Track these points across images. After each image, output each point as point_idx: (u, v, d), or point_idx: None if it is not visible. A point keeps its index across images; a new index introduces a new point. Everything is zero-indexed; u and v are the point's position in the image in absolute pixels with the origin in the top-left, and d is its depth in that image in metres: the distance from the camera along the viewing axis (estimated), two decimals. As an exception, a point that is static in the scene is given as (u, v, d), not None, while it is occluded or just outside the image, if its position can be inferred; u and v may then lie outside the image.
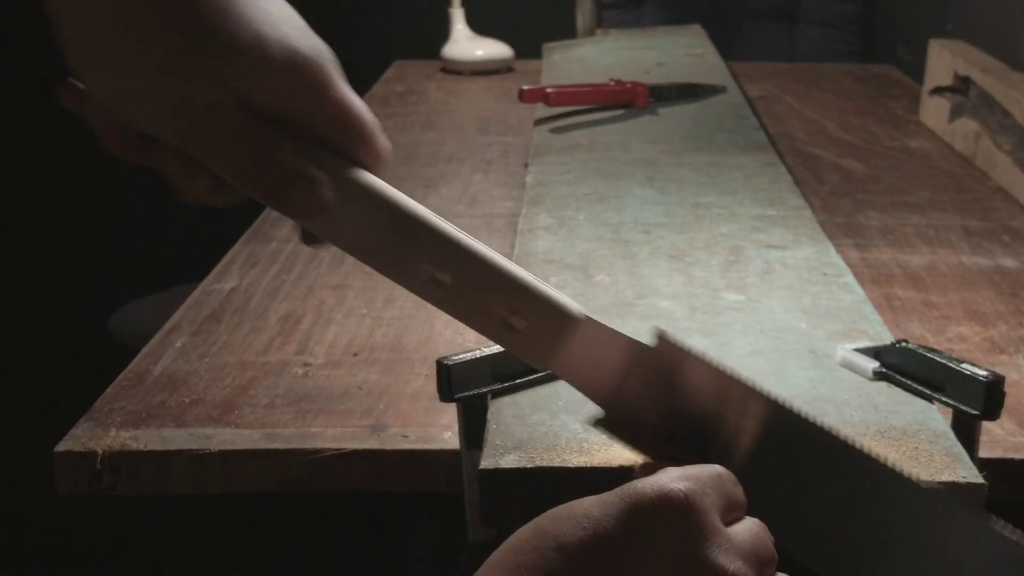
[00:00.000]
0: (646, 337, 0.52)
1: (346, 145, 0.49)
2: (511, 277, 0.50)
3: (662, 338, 0.52)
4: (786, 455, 0.52)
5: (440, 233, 0.50)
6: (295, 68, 0.47)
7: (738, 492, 0.48)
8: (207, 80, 0.45)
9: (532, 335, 0.51)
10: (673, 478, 0.45)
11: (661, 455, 0.53)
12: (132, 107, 0.46)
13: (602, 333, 0.52)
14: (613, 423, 0.53)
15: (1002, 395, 0.63)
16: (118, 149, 0.50)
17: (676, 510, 0.44)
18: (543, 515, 0.46)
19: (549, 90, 1.40)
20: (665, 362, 0.52)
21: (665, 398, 0.53)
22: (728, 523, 0.46)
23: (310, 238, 0.51)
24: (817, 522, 0.51)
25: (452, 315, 0.51)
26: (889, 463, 0.51)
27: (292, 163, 0.47)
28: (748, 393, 0.52)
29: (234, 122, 0.46)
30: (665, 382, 0.53)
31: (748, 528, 0.47)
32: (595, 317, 0.52)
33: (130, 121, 0.48)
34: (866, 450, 0.52)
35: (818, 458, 0.53)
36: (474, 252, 0.50)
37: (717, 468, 0.48)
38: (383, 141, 0.50)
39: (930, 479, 0.59)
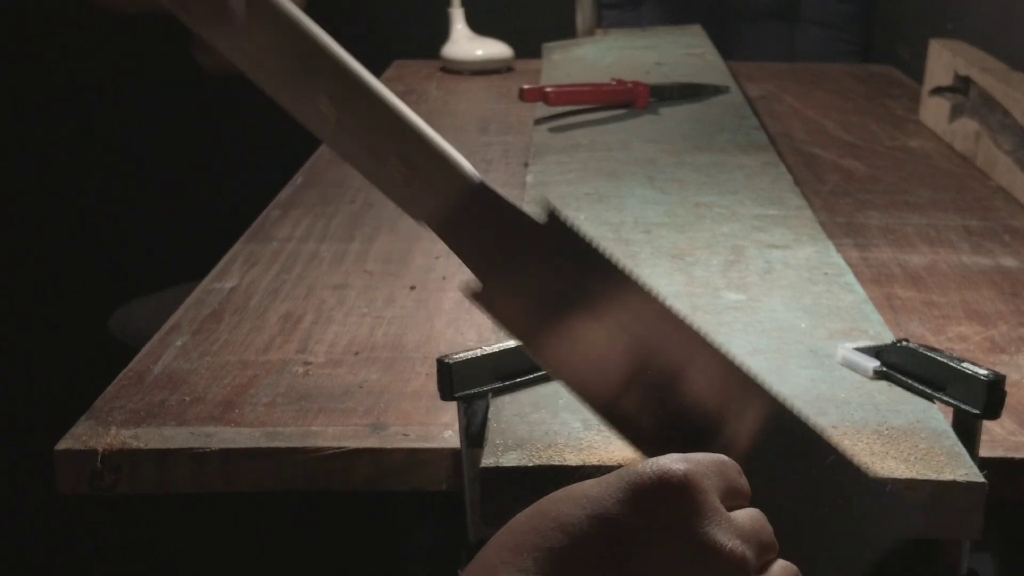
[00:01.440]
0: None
1: None
2: (410, 125, 0.49)
3: (552, 215, 0.50)
4: (780, 459, 0.52)
5: (343, 66, 0.48)
6: None
7: (741, 481, 0.48)
8: None
9: (422, 190, 0.49)
10: (673, 459, 0.46)
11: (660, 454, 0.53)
12: None
13: (494, 201, 0.50)
14: (490, 300, 0.51)
15: (1003, 394, 0.63)
16: None
17: (675, 489, 0.44)
18: (543, 498, 0.46)
19: (548, 89, 1.41)
20: (557, 241, 0.50)
21: (548, 283, 0.51)
22: (729, 509, 0.46)
23: (209, 62, 0.50)
24: (793, 521, 0.50)
25: (344, 157, 0.49)
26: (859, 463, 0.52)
27: None
28: (641, 294, 0.51)
29: None
30: (551, 265, 0.51)
31: (748, 514, 0.47)
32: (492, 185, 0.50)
33: None
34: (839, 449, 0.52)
35: (814, 466, 0.53)
36: (375, 92, 0.49)
37: (721, 456, 0.48)
38: None
39: (931, 478, 0.59)
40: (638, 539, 0.44)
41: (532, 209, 0.50)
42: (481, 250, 0.50)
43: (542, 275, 0.51)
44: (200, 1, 0.47)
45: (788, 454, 0.53)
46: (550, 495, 0.46)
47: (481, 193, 0.50)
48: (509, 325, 0.51)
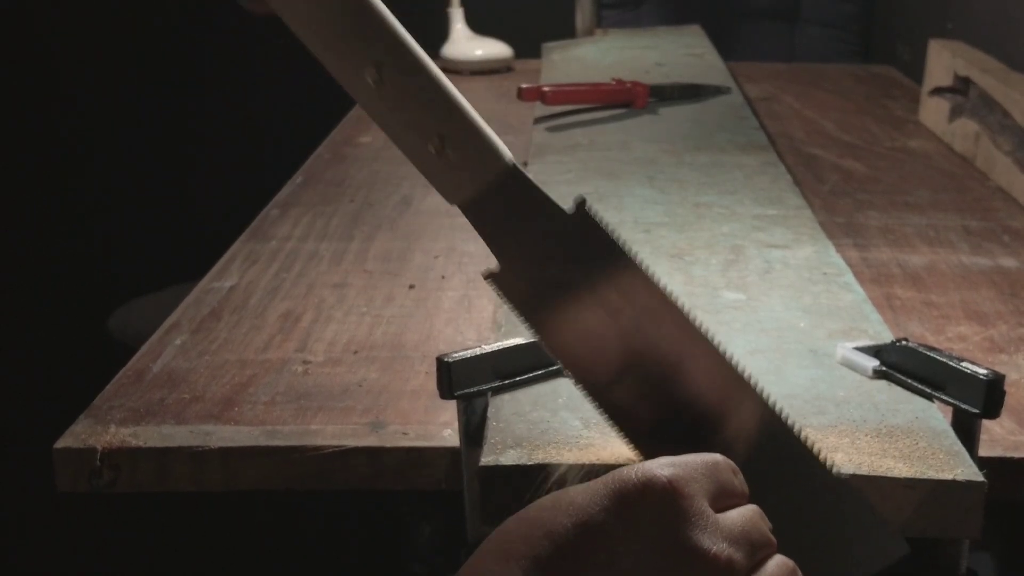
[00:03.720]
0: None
1: None
2: (451, 100, 0.49)
3: (580, 207, 0.51)
4: (774, 466, 0.52)
5: (393, 32, 0.48)
6: None
7: (735, 480, 0.48)
8: None
9: (455, 167, 0.49)
10: (659, 464, 0.46)
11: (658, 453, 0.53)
12: None
13: (525, 186, 0.50)
14: (507, 284, 0.51)
15: (1002, 394, 0.63)
16: None
17: (659, 495, 0.45)
18: (530, 505, 0.47)
19: (546, 88, 1.41)
20: (582, 233, 0.50)
21: (567, 272, 0.51)
22: (721, 509, 0.46)
23: (254, 5, 0.50)
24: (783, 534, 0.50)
25: (380, 125, 0.49)
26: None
27: None
28: (654, 292, 0.51)
29: None
30: (572, 256, 0.51)
31: (740, 513, 0.47)
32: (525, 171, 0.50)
33: None
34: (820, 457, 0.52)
35: (805, 477, 0.53)
36: (422, 63, 0.48)
37: (714, 456, 0.48)
38: None
39: (930, 477, 0.59)
40: (624, 546, 0.44)
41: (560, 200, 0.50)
42: (505, 232, 0.50)
43: (561, 263, 0.51)
44: None
45: (780, 467, 0.53)
46: (537, 503, 0.47)
47: (513, 177, 0.50)
48: (520, 306, 0.51)
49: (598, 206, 1.02)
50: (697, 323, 0.52)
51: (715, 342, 0.52)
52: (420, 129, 0.48)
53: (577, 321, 0.51)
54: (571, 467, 0.59)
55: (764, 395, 0.53)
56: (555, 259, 0.51)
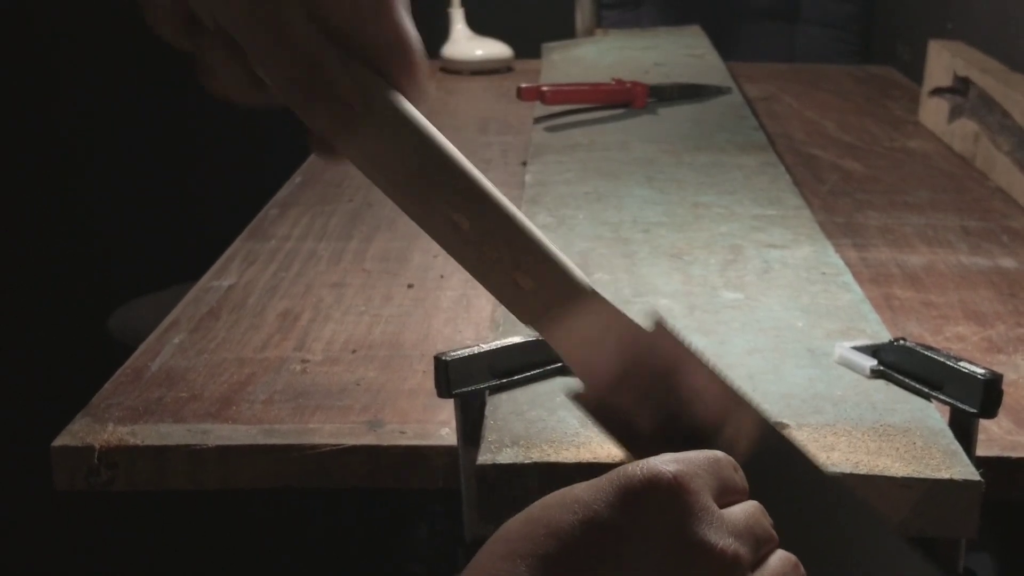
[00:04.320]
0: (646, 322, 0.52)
1: (393, 71, 0.49)
2: (528, 234, 0.50)
3: (659, 325, 0.52)
4: (772, 482, 0.52)
5: (467, 175, 0.49)
6: None
7: (737, 477, 0.48)
8: None
9: (537, 297, 0.50)
10: (664, 460, 0.46)
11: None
12: None
13: (605, 309, 0.51)
14: (594, 404, 0.52)
15: (1000, 393, 0.63)
16: (165, 27, 0.49)
17: (665, 491, 0.44)
18: (534, 503, 0.46)
19: (545, 88, 1.41)
20: (660, 351, 0.52)
21: (652, 389, 0.52)
22: (724, 505, 0.46)
23: (325, 149, 0.50)
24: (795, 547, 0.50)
25: (462, 263, 0.50)
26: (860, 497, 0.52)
27: (332, 73, 0.47)
28: (743, 410, 0.52)
29: (292, 17, 0.46)
30: (659, 378, 0.52)
31: (744, 509, 0.47)
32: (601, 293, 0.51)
33: None
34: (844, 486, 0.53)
35: (801, 486, 0.53)
36: (497, 202, 0.49)
37: (715, 453, 0.48)
38: (427, 77, 0.50)
39: (928, 476, 0.59)
40: (630, 543, 0.44)
41: (640, 317, 0.52)
42: (588, 354, 0.52)
43: (645, 380, 0.52)
44: (328, 110, 0.47)
45: (778, 474, 0.53)
46: (541, 500, 0.46)
47: (592, 301, 0.51)
48: (607, 426, 0.53)
49: (598, 206, 1.02)
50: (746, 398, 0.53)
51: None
52: (500, 264, 0.50)
53: (639, 413, 0.52)
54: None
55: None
56: (638, 377, 0.52)
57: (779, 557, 0.47)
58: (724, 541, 0.44)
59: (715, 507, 0.45)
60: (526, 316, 0.51)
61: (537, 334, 0.51)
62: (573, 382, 0.52)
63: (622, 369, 0.52)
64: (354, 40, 0.48)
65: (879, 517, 0.54)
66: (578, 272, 0.51)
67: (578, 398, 0.52)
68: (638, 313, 0.52)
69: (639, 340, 0.52)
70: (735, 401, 0.53)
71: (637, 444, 0.53)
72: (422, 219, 0.49)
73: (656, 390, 0.52)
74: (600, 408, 0.53)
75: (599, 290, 0.51)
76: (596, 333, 0.51)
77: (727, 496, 0.47)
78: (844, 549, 0.53)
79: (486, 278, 0.50)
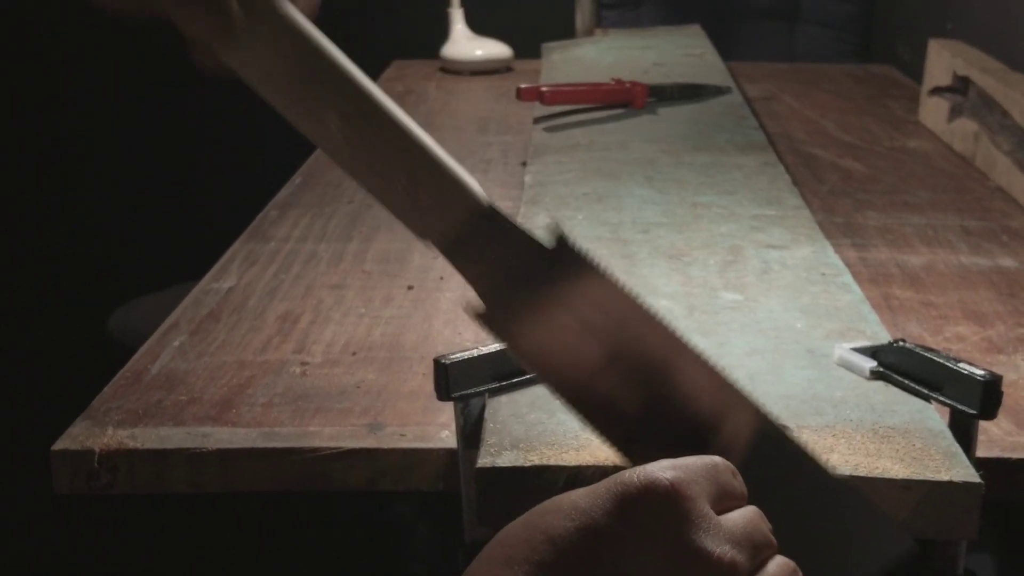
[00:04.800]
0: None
1: None
2: (419, 145, 0.48)
3: (560, 240, 0.50)
4: (770, 477, 0.52)
5: (355, 83, 0.48)
6: None
7: (735, 482, 0.48)
8: None
9: (431, 212, 0.49)
10: (661, 467, 0.46)
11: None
12: None
13: (501, 223, 0.50)
14: (494, 322, 0.51)
15: (999, 395, 0.63)
16: None
17: (662, 498, 0.44)
18: (532, 510, 0.46)
19: (544, 88, 1.41)
20: (565, 268, 0.50)
21: (551, 304, 0.51)
22: (722, 511, 0.46)
23: (205, 58, 0.48)
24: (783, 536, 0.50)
25: (353, 176, 0.49)
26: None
27: None
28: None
29: None
30: (556, 288, 0.50)
31: (742, 515, 0.47)
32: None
33: None
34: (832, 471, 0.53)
35: (801, 485, 0.53)
36: (386, 110, 0.48)
37: (714, 459, 0.48)
38: None
39: (927, 478, 0.59)
40: (627, 550, 0.44)
41: (540, 234, 0.50)
42: (487, 273, 0.50)
43: (546, 298, 0.51)
44: (203, 15, 0.45)
45: (777, 470, 0.53)
46: (540, 507, 0.46)
47: (490, 217, 0.50)
48: (512, 344, 0.52)
49: (597, 206, 1.02)
50: (680, 334, 0.52)
51: (701, 351, 0.52)
52: (387, 173, 0.48)
53: (553, 336, 0.51)
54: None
55: (755, 401, 0.53)
56: (539, 295, 0.50)
57: (777, 563, 0.47)
58: (721, 548, 0.44)
59: (712, 514, 0.45)
60: (419, 230, 0.50)
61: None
62: (474, 299, 0.51)
63: (522, 287, 0.50)
64: None
65: (881, 515, 0.54)
66: (475, 185, 0.50)
67: (480, 316, 0.51)
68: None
69: (539, 257, 0.50)
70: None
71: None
72: (310, 128, 0.48)
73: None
74: (497, 326, 0.51)
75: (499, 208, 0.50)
76: (493, 250, 0.50)
77: (725, 502, 0.47)
78: (846, 548, 0.53)
79: (377, 190, 0.49)
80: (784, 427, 0.53)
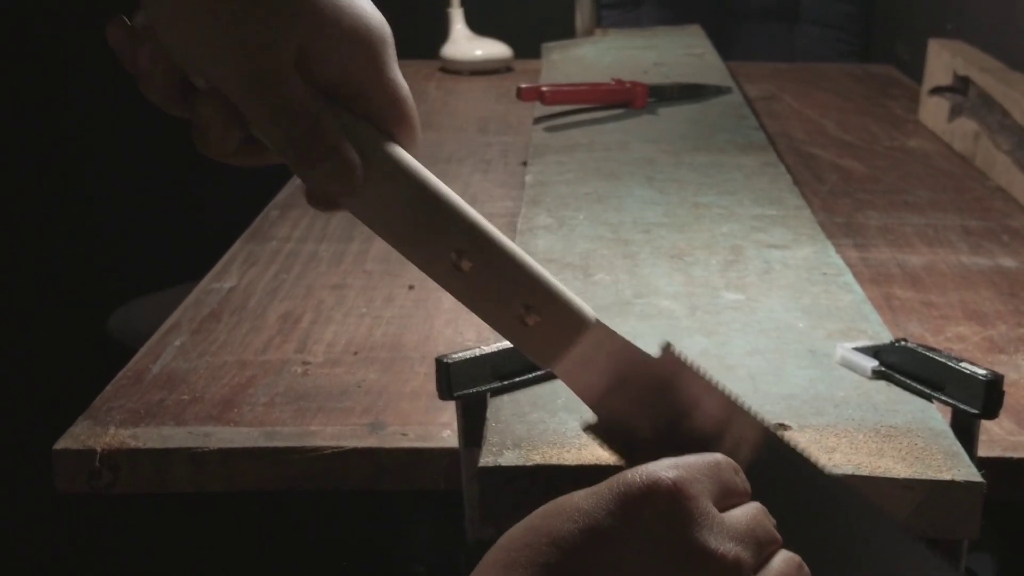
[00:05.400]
0: (653, 345, 0.52)
1: (389, 124, 0.50)
2: (531, 272, 0.50)
3: (667, 351, 0.52)
4: (775, 487, 0.52)
5: (468, 219, 0.50)
6: (362, 41, 0.48)
7: (738, 479, 0.48)
8: (276, 33, 0.46)
9: (543, 333, 0.51)
10: (663, 466, 0.46)
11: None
12: (193, 48, 0.47)
13: (611, 340, 0.52)
14: (606, 431, 0.53)
15: (1001, 394, 0.63)
16: (159, 94, 0.50)
17: (665, 497, 0.45)
18: (535, 512, 0.46)
19: (544, 88, 1.41)
20: (668, 376, 0.52)
21: (662, 413, 0.53)
22: (725, 508, 0.46)
23: (324, 202, 0.51)
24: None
25: (468, 305, 0.51)
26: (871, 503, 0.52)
27: (332, 136, 0.47)
28: (746, 421, 0.52)
29: (290, 80, 0.47)
30: (664, 397, 0.52)
31: (745, 512, 0.47)
32: (605, 323, 0.52)
33: (184, 63, 0.48)
34: (853, 490, 0.53)
35: (805, 494, 0.53)
36: (498, 242, 0.50)
37: (716, 456, 0.48)
38: (419, 130, 0.51)
39: (929, 477, 0.59)
40: (630, 550, 0.44)
41: (641, 334, 0.52)
42: (598, 385, 0.52)
43: (655, 407, 0.52)
44: (324, 172, 0.47)
45: (784, 475, 0.53)
46: (541, 509, 0.46)
47: (598, 332, 0.51)
48: (622, 453, 0.53)
49: (598, 206, 1.02)
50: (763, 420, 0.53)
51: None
52: (504, 303, 0.50)
53: (653, 436, 0.53)
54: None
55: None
56: (649, 405, 0.52)
57: (782, 558, 0.47)
58: (725, 546, 0.44)
59: (715, 512, 0.45)
60: (534, 354, 0.52)
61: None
62: (588, 414, 0.53)
63: (632, 398, 0.52)
64: (350, 97, 0.49)
65: (884, 515, 0.54)
66: (582, 304, 0.52)
67: (591, 428, 0.53)
68: (635, 326, 0.52)
69: (647, 369, 0.52)
70: (736, 409, 0.53)
71: (638, 454, 0.53)
72: (426, 265, 0.50)
73: (658, 405, 0.52)
74: (609, 431, 0.53)
75: (604, 320, 0.51)
76: (604, 365, 0.52)
77: (728, 499, 0.47)
78: (849, 548, 0.53)
79: (493, 319, 0.51)
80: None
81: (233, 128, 0.49)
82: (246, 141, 0.50)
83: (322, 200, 0.51)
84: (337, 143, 0.47)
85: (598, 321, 0.51)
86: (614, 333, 0.52)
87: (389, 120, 0.50)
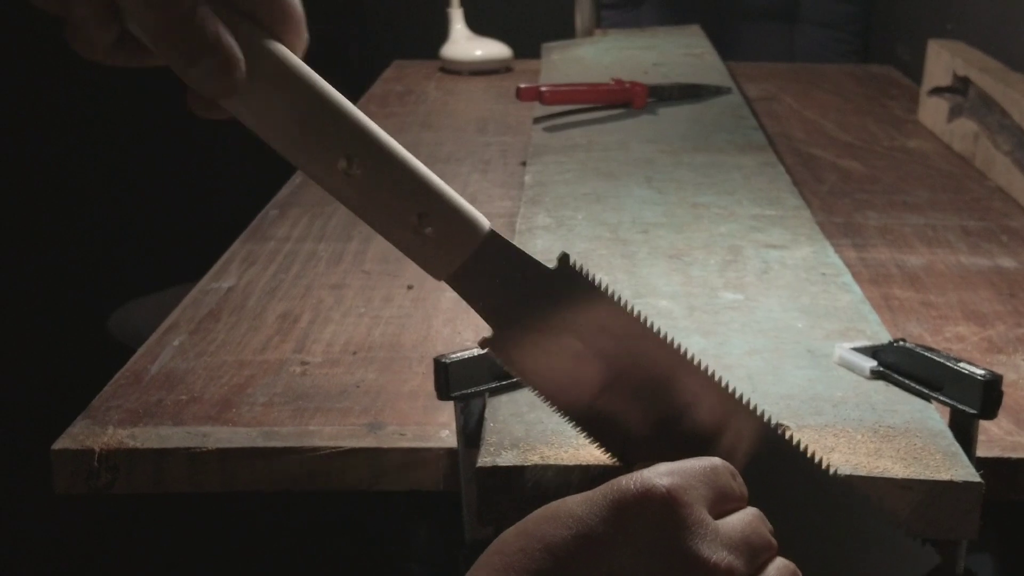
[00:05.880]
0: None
1: (273, 24, 0.47)
2: (424, 179, 0.49)
3: (562, 261, 0.51)
4: (773, 483, 0.52)
5: (358, 122, 0.48)
6: None
7: (735, 484, 0.48)
8: None
9: (438, 243, 0.50)
10: (658, 473, 0.45)
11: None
12: None
13: (506, 249, 0.51)
14: (503, 348, 0.52)
15: (1000, 394, 0.63)
16: None
17: (658, 505, 0.44)
18: (528, 516, 0.46)
19: (543, 88, 1.41)
20: (563, 288, 0.51)
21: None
22: (721, 514, 0.46)
23: (204, 107, 0.48)
24: (790, 543, 0.50)
25: (361, 215, 0.49)
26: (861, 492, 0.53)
27: (211, 30, 0.45)
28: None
29: None
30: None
31: (740, 518, 0.47)
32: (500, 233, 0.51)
33: None
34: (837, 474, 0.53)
35: (803, 490, 0.53)
36: (390, 148, 0.49)
37: (712, 460, 0.48)
38: (305, 32, 0.49)
39: (928, 478, 0.59)
40: (623, 557, 0.44)
41: (542, 257, 0.51)
42: (492, 299, 0.51)
43: (550, 321, 0.52)
44: (203, 69, 0.45)
45: (780, 473, 0.53)
46: (535, 514, 0.46)
47: (492, 242, 0.50)
48: (518, 369, 0.52)
49: (597, 206, 1.02)
50: (683, 350, 0.53)
51: (704, 365, 0.52)
52: (397, 212, 0.49)
53: (557, 359, 0.52)
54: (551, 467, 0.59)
55: (760, 412, 0.53)
56: (544, 318, 0.52)
57: (777, 566, 0.47)
58: (718, 554, 0.44)
59: (709, 519, 0.45)
60: (430, 265, 0.51)
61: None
62: (484, 329, 0.52)
63: (526, 311, 0.51)
64: None
65: (884, 514, 0.54)
66: (477, 213, 0.50)
67: (486, 342, 0.52)
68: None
69: (542, 279, 0.51)
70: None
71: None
72: (317, 171, 0.49)
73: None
74: (505, 352, 0.52)
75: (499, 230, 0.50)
76: (499, 276, 0.51)
77: (724, 505, 0.47)
78: (847, 548, 0.53)
79: (387, 229, 0.50)
80: (785, 433, 0.53)
81: (109, 23, 0.46)
82: (121, 40, 0.47)
83: (204, 103, 0.48)
84: (217, 36, 0.45)
85: (492, 230, 0.50)
86: (509, 243, 0.51)
87: (274, 19, 0.47)
